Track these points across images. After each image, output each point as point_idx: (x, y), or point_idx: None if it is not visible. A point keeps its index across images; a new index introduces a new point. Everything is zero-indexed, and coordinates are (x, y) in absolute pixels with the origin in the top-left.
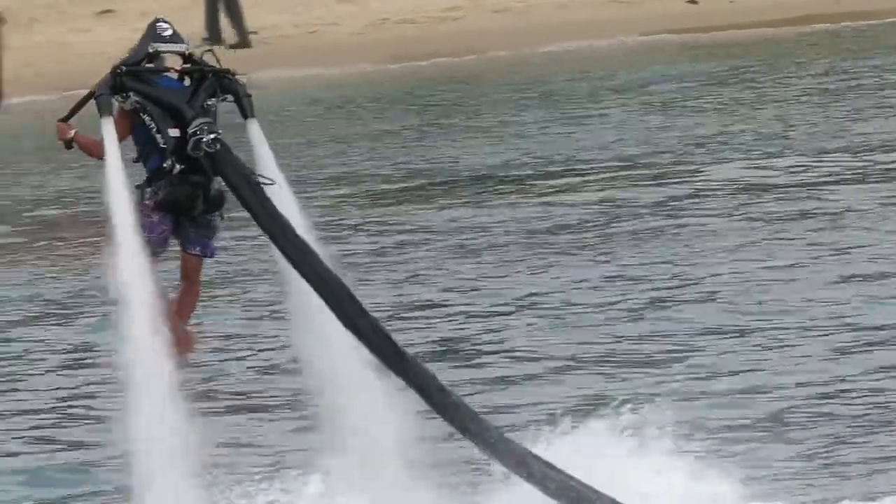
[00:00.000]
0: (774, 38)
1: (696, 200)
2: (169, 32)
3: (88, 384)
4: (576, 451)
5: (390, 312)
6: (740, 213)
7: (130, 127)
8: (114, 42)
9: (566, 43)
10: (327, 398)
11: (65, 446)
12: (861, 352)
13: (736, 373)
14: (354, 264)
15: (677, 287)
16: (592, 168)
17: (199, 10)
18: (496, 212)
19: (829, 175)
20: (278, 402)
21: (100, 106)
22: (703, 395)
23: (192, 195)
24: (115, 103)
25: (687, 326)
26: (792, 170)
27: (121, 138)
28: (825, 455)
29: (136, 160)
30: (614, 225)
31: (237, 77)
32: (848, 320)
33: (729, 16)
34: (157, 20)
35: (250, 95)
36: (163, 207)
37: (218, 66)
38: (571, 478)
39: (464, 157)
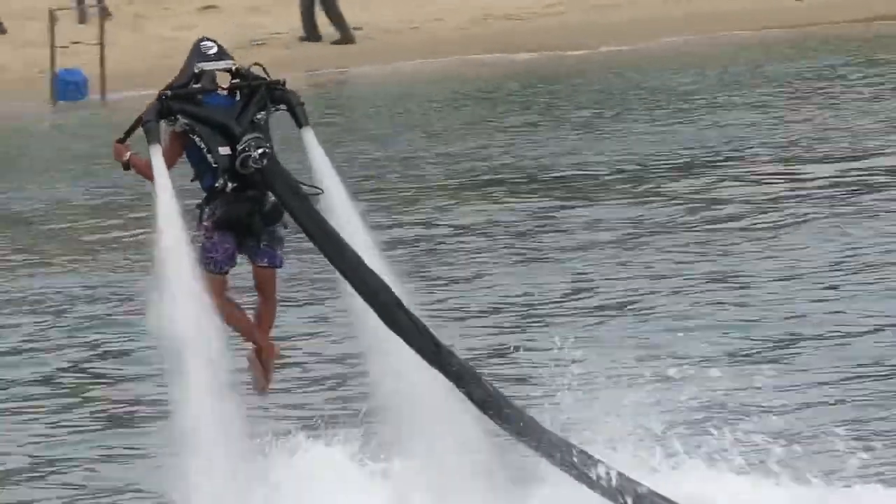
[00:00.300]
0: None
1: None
2: (214, 51)
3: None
4: None
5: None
6: None
7: (182, 149)
8: (217, 37)
9: (672, 38)
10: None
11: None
12: None
13: None
14: (477, 254)
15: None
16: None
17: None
18: (610, 209)
19: None
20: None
21: (147, 133)
22: None
23: (248, 212)
24: (166, 127)
25: None
26: None
27: (174, 161)
28: None
29: (194, 180)
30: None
31: (287, 86)
32: None
33: (833, 12)
34: (201, 40)
35: (303, 104)
36: (221, 226)
37: (267, 77)
38: (609, 468)
39: (578, 152)
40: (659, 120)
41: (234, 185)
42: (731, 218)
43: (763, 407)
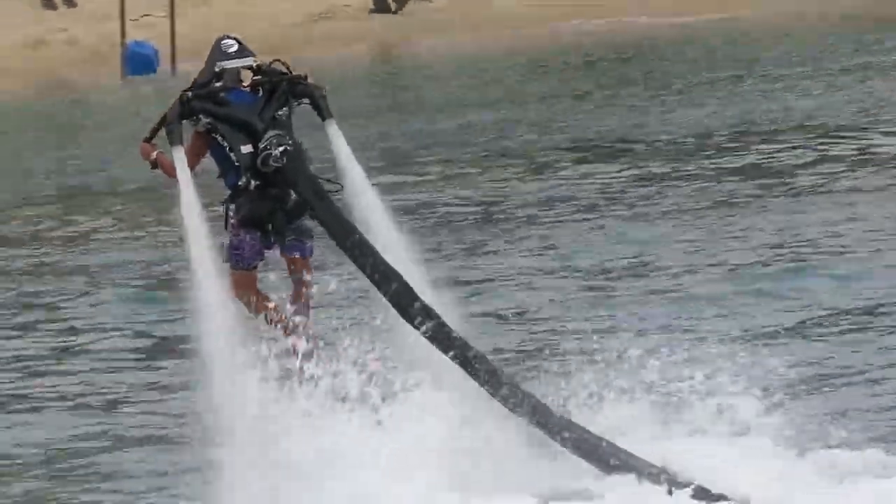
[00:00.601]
0: None
1: None
2: (234, 48)
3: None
4: None
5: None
6: None
7: (206, 147)
8: (287, 10)
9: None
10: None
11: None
12: None
13: None
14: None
15: None
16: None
17: None
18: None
19: None
20: None
21: (169, 135)
22: None
23: (271, 209)
24: (190, 127)
25: None
26: None
27: (197, 160)
28: None
29: (220, 177)
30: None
31: (310, 80)
32: None
33: None
34: (222, 38)
35: (325, 97)
36: (246, 224)
37: (289, 72)
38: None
39: (680, 119)
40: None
41: (257, 182)
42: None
43: None
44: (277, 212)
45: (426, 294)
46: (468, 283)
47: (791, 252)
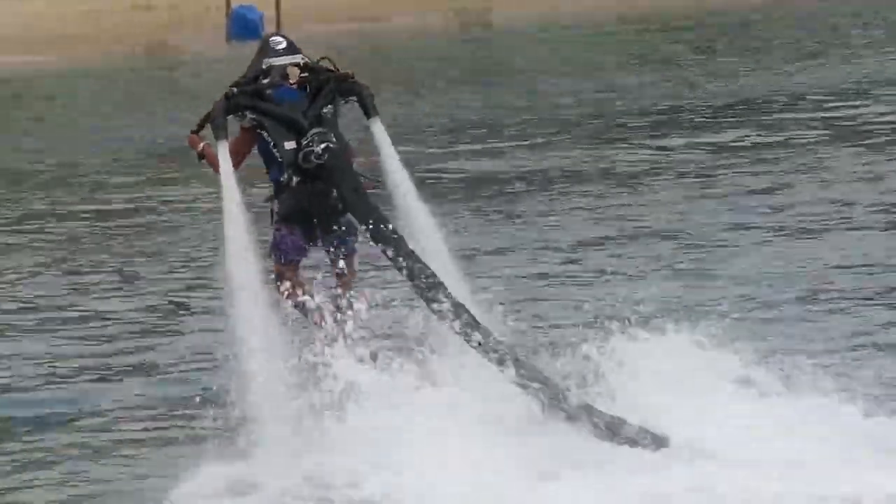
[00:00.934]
0: None
1: None
2: (283, 46)
3: None
4: None
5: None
6: None
7: (252, 143)
8: None
9: None
10: None
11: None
12: None
13: None
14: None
15: None
16: None
17: None
18: None
19: None
20: None
21: (214, 130)
22: None
23: (313, 205)
24: (236, 123)
25: None
26: None
27: (243, 155)
28: None
29: (266, 172)
30: None
31: (357, 79)
32: None
33: None
34: (271, 35)
35: (373, 95)
36: (288, 219)
37: (336, 70)
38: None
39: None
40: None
41: (299, 178)
42: None
43: None
44: (320, 207)
45: (464, 293)
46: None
47: None
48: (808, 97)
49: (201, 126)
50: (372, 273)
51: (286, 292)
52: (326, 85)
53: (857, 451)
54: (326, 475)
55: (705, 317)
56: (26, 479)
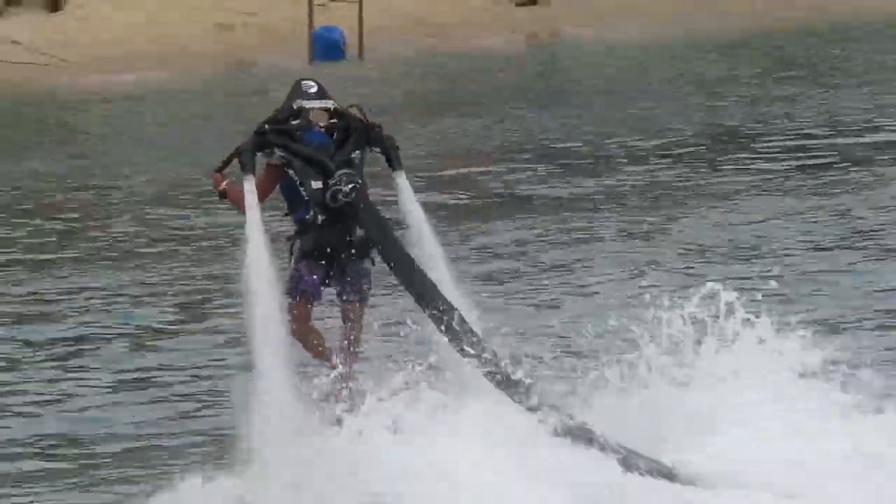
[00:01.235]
0: None
1: None
2: (314, 90)
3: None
4: None
5: None
6: None
7: (277, 180)
8: None
9: None
10: None
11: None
12: None
13: None
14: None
15: None
16: None
17: None
18: None
19: None
20: None
21: (242, 164)
22: None
23: (336, 245)
24: (263, 159)
25: None
26: None
27: (268, 192)
28: None
29: (287, 214)
30: None
31: (383, 130)
32: None
33: None
34: (303, 79)
35: (398, 148)
36: (309, 257)
37: (365, 119)
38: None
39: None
40: None
41: (324, 217)
42: None
43: None
44: (342, 247)
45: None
46: None
47: None
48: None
49: (225, 164)
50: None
51: (306, 340)
52: (354, 132)
53: None
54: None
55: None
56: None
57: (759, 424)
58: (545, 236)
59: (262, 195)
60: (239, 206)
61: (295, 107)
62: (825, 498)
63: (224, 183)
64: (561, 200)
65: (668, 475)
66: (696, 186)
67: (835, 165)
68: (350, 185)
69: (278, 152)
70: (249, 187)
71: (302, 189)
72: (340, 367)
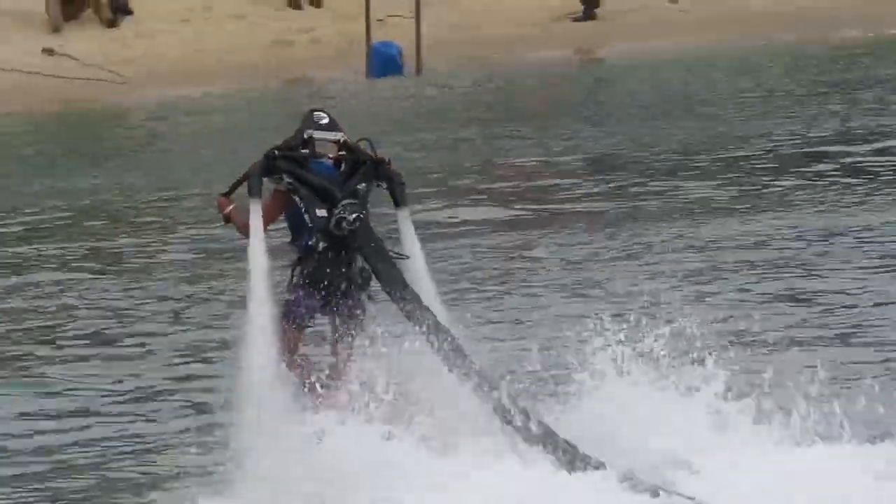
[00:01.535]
0: None
1: None
2: (325, 121)
3: None
4: None
5: None
6: None
7: (283, 207)
8: (524, 6)
9: None
10: None
11: None
12: None
13: None
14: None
15: None
16: None
17: None
18: None
19: None
20: None
21: (249, 187)
22: None
23: (336, 273)
24: (270, 185)
25: None
26: None
27: (273, 217)
28: None
29: (291, 242)
30: None
31: (391, 165)
32: None
33: None
34: (315, 110)
35: (404, 184)
36: (308, 284)
37: (374, 154)
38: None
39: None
40: None
41: (326, 246)
42: None
43: None
44: (342, 276)
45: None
46: None
47: None
48: None
49: (233, 189)
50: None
51: (289, 357)
52: (363, 166)
53: None
54: None
55: None
56: None
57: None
58: (602, 252)
59: (268, 220)
60: (243, 230)
61: (305, 136)
62: None
63: (229, 207)
64: (614, 214)
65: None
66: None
67: None
68: (354, 215)
69: (286, 178)
70: (255, 211)
71: (306, 216)
72: (320, 394)
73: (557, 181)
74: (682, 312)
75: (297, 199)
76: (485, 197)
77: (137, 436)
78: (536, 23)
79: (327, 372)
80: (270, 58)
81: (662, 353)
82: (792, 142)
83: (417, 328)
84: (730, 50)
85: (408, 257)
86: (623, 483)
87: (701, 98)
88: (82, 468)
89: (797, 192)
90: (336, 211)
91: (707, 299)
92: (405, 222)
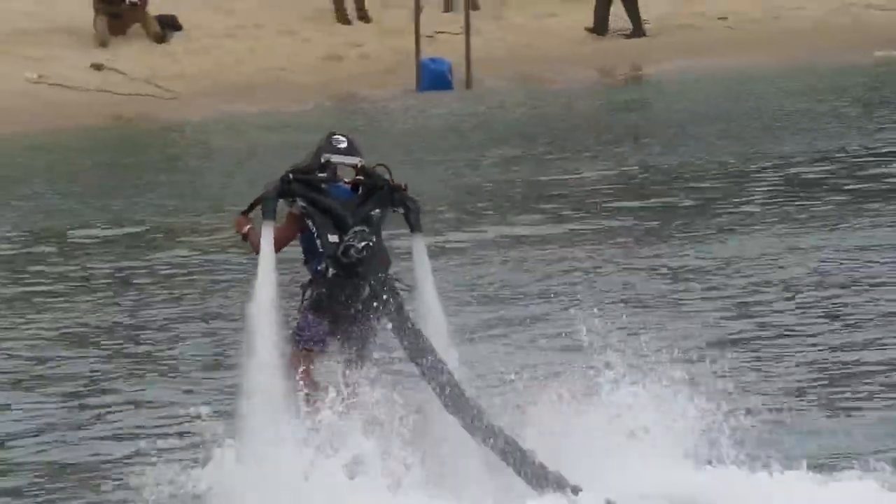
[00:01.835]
0: None
1: None
2: (344, 145)
3: None
4: None
5: None
6: None
7: (297, 230)
8: (573, 27)
9: None
10: None
11: None
12: None
13: None
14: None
15: None
16: None
17: None
18: None
19: None
20: None
21: (263, 209)
22: None
23: (344, 299)
24: (285, 207)
25: None
26: None
27: (287, 240)
28: None
29: (304, 263)
30: None
31: (408, 191)
32: None
33: None
34: (334, 133)
35: (420, 210)
36: (316, 308)
37: (390, 179)
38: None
39: None
40: None
41: (335, 272)
42: None
43: None
44: (350, 302)
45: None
46: None
47: None
48: None
49: (251, 208)
50: None
51: (296, 377)
52: (379, 191)
53: None
54: None
55: None
56: None
57: None
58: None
59: (282, 243)
60: (257, 250)
61: (322, 160)
62: None
63: (247, 227)
64: (667, 231)
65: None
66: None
67: None
68: (363, 243)
69: (300, 202)
70: (267, 233)
71: (318, 240)
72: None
73: (608, 196)
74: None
75: (309, 222)
76: (536, 213)
77: None
78: (585, 40)
79: (333, 395)
80: (320, 74)
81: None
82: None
83: (417, 368)
84: (779, 68)
85: (411, 289)
86: None
87: (758, 115)
88: None
89: None
90: (346, 238)
91: None
92: (419, 248)
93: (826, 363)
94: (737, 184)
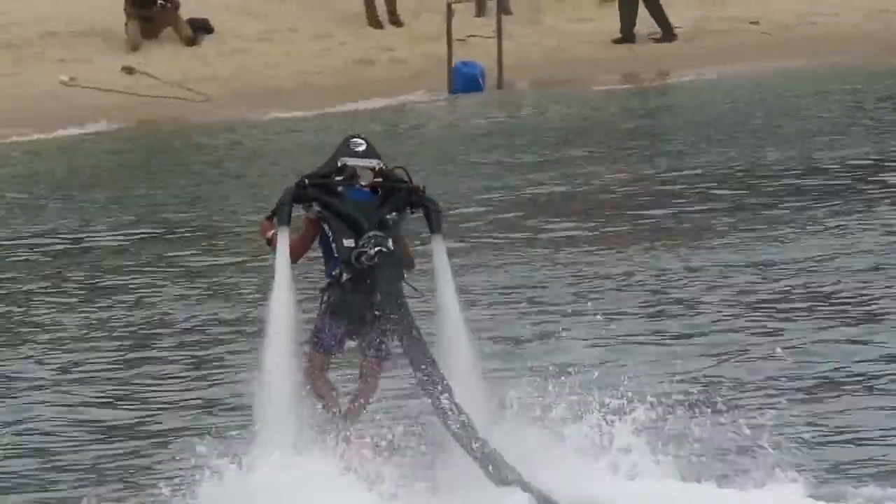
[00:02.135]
0: None
1: None
2: (362, 148)
3: None
4: None
5: None
6: None
7: (315, 234)
8: (608, 31)
9: None
10: None
11: None
12: None
13: None
14: None
15: None
16: None
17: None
18: None
19: None
20: None
21: (278, 214)
22: None
23: (359, 304)
24: (302, 212)
25: None
26: None
27: (306, 247)
28: None
29: (324, 266)
30: None
31: (426, 193)
32: None
33: None
34: (351, 136)
35: (440, 211)
36: (332, 312)
37: (409, 181)
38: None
39: None
40: None
41: (349, 276)
42: None
43: None
44: (365, 307)
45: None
46: None
47: None
48: None
49: (274, 213)
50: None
51: (312, 380)
52: (397, 193)
53: None
54: None
55: None
56: None
57: None
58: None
59: (302, 249)
60: None
61: (339, 163)
62: None
63: (271, 232)
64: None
65: None
66: None
67: None
68: (376, 249)
69: (315, 206)
70: (282, 238)
71: (333, 245)
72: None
73: (640, 200)
74: None
75: (326, 227)
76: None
77: None
78: (618, 45)
79: (351, 398)
80: (352, 77)
81: None
82: None
83: (414, 374)
84: (815, 71)
85: (421, 294)
86: None
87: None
88: None
89: None
90: (360, 243)
91: None
92: (439, 249)
93: None
94: (785, 188)
